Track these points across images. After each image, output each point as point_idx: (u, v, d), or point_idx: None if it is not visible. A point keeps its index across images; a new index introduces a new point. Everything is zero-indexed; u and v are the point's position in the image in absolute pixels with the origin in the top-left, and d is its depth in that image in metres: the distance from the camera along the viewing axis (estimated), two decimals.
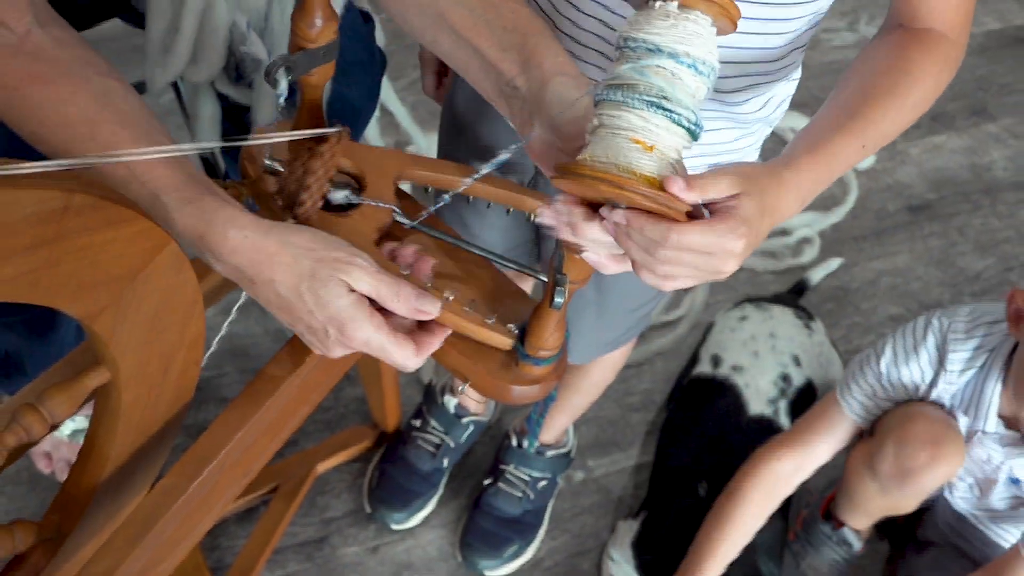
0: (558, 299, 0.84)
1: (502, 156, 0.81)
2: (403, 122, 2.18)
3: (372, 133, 2.11)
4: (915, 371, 1.46)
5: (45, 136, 0.79)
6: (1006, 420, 1.43)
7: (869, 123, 0.89)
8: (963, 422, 1.44)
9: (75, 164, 0.68)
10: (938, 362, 1.45)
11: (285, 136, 0.92)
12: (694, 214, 0.75)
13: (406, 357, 0.85)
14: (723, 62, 0.99)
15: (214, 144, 0.84)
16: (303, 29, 0.87)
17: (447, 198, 0.95)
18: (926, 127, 2.37)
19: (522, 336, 0.93)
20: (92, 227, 0.76)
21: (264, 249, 0.79)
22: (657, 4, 0.73)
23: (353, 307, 0.81)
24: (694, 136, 0.74)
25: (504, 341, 0.93)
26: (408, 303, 0.84)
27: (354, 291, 0.81)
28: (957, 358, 1.43)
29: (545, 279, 0.95)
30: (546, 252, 1.32)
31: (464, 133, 1.26)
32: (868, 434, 1.53)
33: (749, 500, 1.55)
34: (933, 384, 1.46)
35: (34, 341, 1.37)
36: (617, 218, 0.74)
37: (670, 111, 0.72)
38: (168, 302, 0.89)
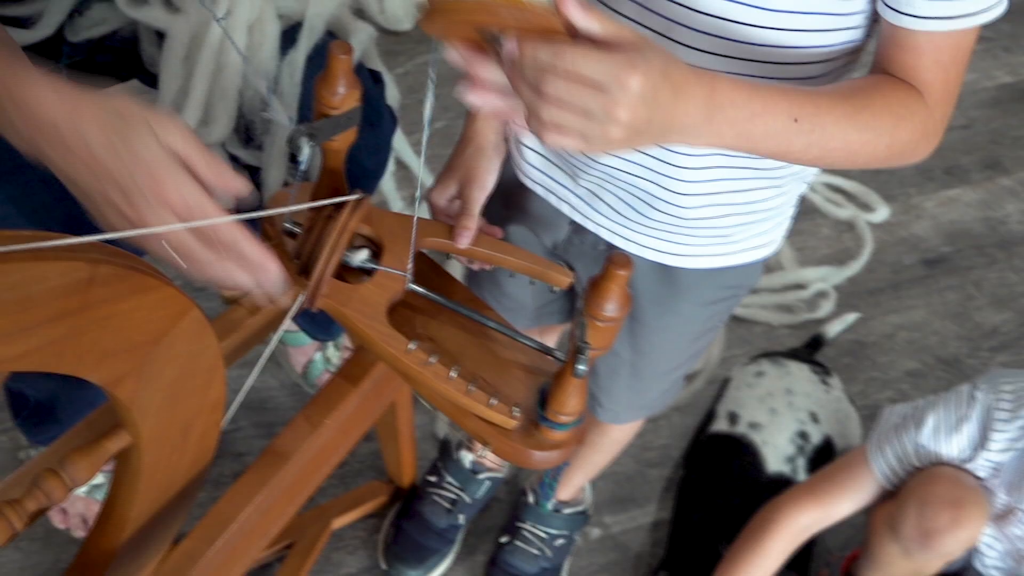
0: (580, 367, 0.84)
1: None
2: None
3: (388, 187, 2.12)
4: (954, 447, 1.43)
5: None
6: None
7: (809, 102, 0.83)
8: (1002, 499, 1.41)
9: (102, 238, 0.68)
10: (981, 439, 1.41)
11: (303, 207, 0.93)
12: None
13: (233, 230, 0.80)
14: None
15: (235, 217, 0.83)
16: (327, 96, 0.88)
17: (415, 254, 0.95)
18: (940, 180, 2.37)
19: (543, 400, 0.93)
20: (117, 296, 0.76)
21: (75, 100, 0.77)
22: None
23: (166, 158, 0.77)
24: None
25: (506, 421, 0.92)
26: (216, 168, 0.81)
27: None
28: (1000, 438, 1.40)
29: (561, 358, 0.94)
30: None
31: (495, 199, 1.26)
32: (890, 494, 1.51)
33: (770, 551, 1.53)
34: (970, 459, 1.42)
35: (71, 386, 1.36)
36: (509, 47, 0.70)
37: None
38: (190, 367, 0.89)
